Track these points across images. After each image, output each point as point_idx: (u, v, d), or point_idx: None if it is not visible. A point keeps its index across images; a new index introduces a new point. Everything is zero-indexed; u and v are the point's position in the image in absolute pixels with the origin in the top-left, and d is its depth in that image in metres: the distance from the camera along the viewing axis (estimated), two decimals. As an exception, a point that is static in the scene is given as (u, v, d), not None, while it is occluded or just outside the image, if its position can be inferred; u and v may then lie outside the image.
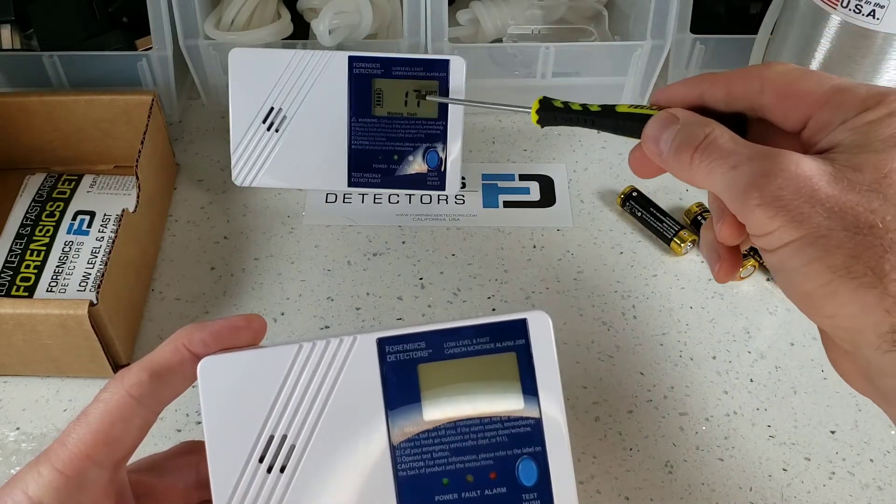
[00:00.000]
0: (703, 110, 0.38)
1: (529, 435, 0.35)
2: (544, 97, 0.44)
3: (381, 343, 0.35)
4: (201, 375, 0.35)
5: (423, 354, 0.35)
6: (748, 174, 0.33)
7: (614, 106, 0.42)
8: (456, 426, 0.35)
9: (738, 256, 0.40)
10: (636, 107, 0.41)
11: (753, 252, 0.64)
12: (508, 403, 0.35)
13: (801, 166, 0.32)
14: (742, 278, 0.64)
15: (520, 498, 0.35)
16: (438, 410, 0.35)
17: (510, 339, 0.35)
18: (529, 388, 0.35)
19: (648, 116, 0.39)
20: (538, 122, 0.45)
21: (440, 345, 0.35)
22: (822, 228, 0.31)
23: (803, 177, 0.32)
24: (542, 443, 0.35)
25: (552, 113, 0.44)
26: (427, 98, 0.64)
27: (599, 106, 0.42)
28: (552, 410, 0.35)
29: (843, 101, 0.34)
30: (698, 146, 0.35)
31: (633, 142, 0.41)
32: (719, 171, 0.34)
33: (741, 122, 0.38)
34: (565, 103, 0.44)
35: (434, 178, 0.67)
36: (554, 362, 0.35)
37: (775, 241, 0.33)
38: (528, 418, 0.35)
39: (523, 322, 0.35)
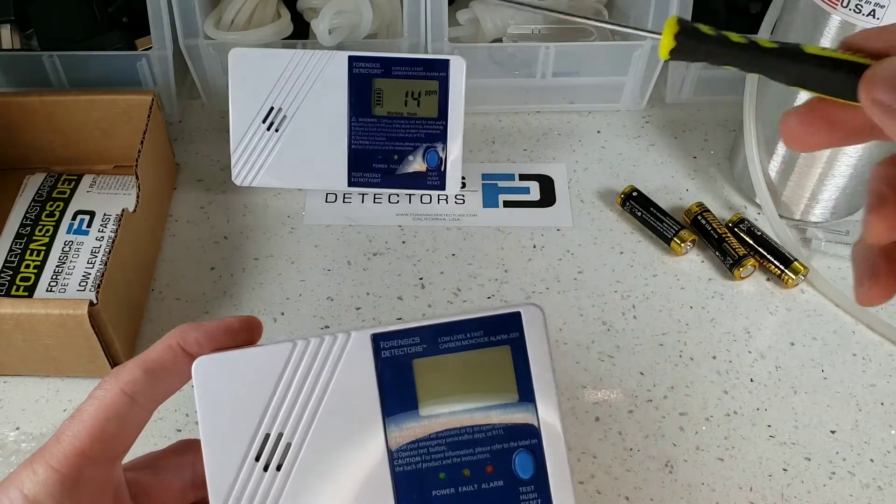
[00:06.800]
0: None
1: (525, 428, 0.35)
2: (681, 18, 0.32)
3: (376, 339, 0.35)
4: (196, 375, 0.35)
5: (417, 350, 0.35)
6: None
7: (798, 45, 0.31)
8: (452, 421, 0.35)
9: None
10: (831, 51, 0.30)
11: (753, 251, 0.64)
12: (504, 396, 0.35)
13: None
14: (742, 278, 0.64)
15: (517, 491, 0.35)
16: (434, 405, 0.35)
17: (504, 332, 0.35)
18: (524, 381, 0.35)
19: (858, 65, 0.29)
20: (671, 52, 0.32)
21: (435, 340, 0.35)
22: None
23: None
24: (537, 435, 0.35)
25: (697, 42, 0.32)
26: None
27: (775, 42, 0.31)
28: (547, 402, 0.35)
29: None
30: None
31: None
32: None
33: None
34: (717, 30, 0.32)
35: (434, 178, 0.67)
36: (547, 355, 0.35)
37: None
38: (523, 411, 0.35)
39: (517, 315, 0.35)
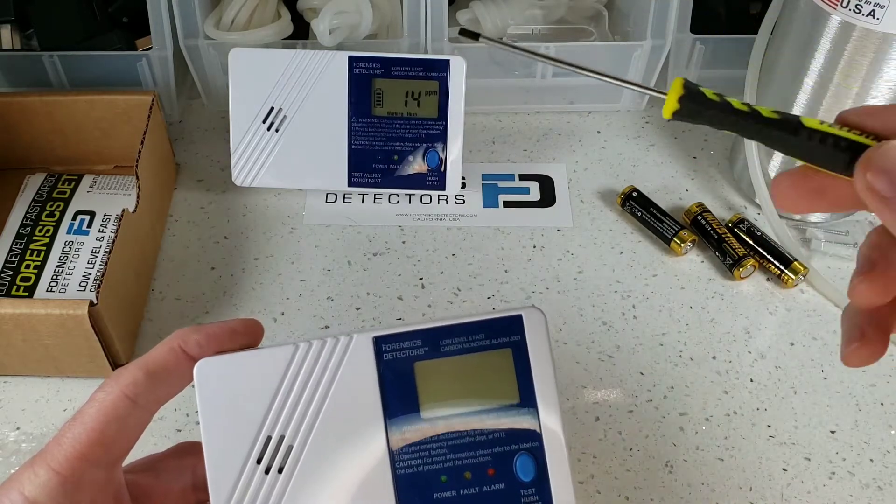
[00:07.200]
0: None
1: (526, 431, 0.35)
2: (687, 81, 0.33)
3: (378, 342, 0.35)
4: (198, 377, 0.35)
5: (419, 352, 0.35)
6: None
7: (797, 118, 0.31)
8: (453, 424, 0.35)
9: (885, 339, 0.31)
10: (829, 125, 0.31)
11: (752, 251, 0.64)
12: (505, 399, 0.35)
13: None
14: (742, 278, 0.64)
15: (518, 493, 0.35)
16: (436, 408, 0.35)
17: (506, 335, 0.35)
18: (525, 384, 0.35)
19: (854, 143, 0.30)
20: (674, 114, 0.33)
21: (436, 342, 0.35)
22: None
23: None
24: (538, 438, 0.35)
25: (700, 107, 0.32)
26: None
27: (776, 112, 0.32)
28: (548, 405, 0.35)
29: None
30: None
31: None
32: None
33: None
34: (720, 96, 0.33)
35: (434, 178, 0.67)
36: (549, 358, 0.35)
37: None
38: (524, 414, 0.35)
39: (519, 318, 0.35)
